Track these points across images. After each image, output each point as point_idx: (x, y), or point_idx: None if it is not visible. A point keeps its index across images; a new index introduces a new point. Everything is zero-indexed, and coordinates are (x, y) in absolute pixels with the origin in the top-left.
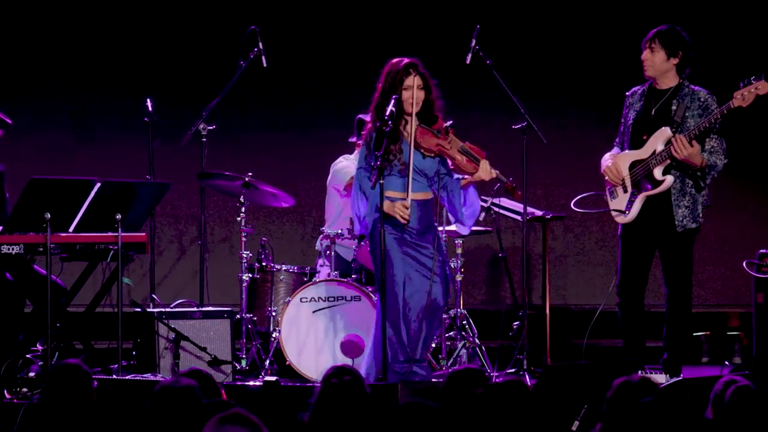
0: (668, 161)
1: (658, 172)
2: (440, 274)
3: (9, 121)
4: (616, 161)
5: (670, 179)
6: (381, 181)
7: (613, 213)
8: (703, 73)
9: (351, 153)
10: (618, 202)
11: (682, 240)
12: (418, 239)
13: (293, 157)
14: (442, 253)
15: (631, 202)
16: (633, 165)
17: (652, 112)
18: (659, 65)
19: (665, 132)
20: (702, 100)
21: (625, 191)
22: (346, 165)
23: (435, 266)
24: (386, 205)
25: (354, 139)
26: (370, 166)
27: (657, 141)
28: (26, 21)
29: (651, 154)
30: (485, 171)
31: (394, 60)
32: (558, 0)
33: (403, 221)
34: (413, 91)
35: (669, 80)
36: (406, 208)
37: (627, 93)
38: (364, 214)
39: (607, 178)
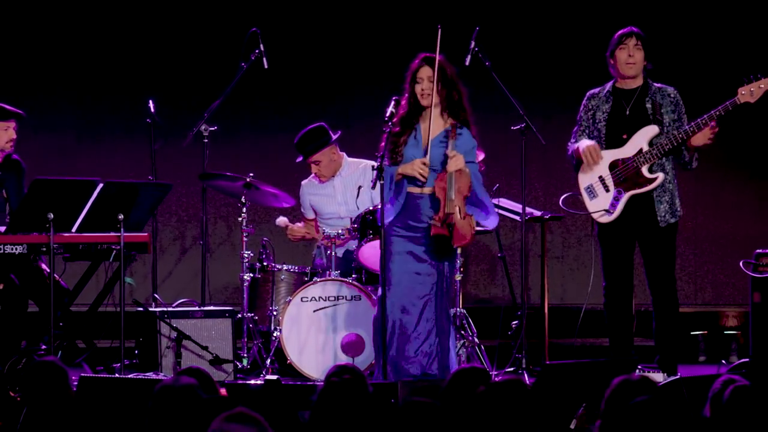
0: (656, 159)
1: (646, 170)
2: (436, 268)
3: (21, 113)
4: (595, 144)
5: (661, 176)
6: (381, 182)
7: (598, 213)
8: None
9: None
10: (599, 201)
11: (665, 235)
12: (423, 236)
13: (294, 157)
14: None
15: (616, 201)
16: (614, 164)
17: (627, 112)
18: (640, 63)
19: (652, 129)
20: (672, 96)
21: (607, 191)
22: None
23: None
24: (403, 167)
25: (299, 160)
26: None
27: (642, 139)
28: (30, 25)
29: (637, 152)
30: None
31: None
32: (555, 3)
33: (422, 179)
34: (424, 84)
35: (638, 80)
36: (425, 165)
37: (587, 94)
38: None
39: (585, 159)
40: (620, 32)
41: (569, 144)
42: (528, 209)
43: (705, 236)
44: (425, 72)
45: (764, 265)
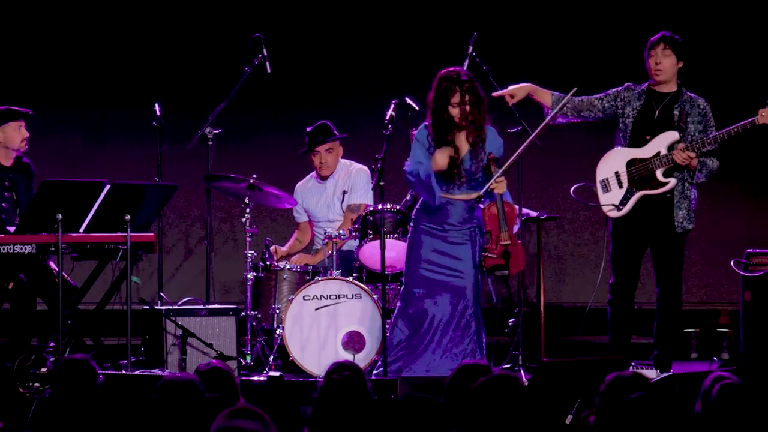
0: (671, 164)
1: (660, 174)
2: (470, 270)
3: (29, 111)
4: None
5: (673, 182)
6: (381, 183)
7: (607, 207)
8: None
9: (331, 160)
10: (611, 196)
11: (680, 240)
12: (456, 235)
13: (296, 159)
14: (477, 250)
15: (626, 198)
16: (631, 162)
17: (656, 114)
18: (669, 69)
19: (672, 135)
20: (701, 107)
21: (620, 186)
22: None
23: (467, 260)
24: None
25: (303, 151)
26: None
27: (662, 143)
28: (37, 30)
29: (654, 154)
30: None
31: (446, 71)
32: (551, 7)
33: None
34: (459, 108)
35: (671, 85)
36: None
37: (626, 84)
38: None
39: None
40: (652, 38)
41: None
42: (524, 210)
43: (698, 236)
44: (465, 97)
45: (755, 264)
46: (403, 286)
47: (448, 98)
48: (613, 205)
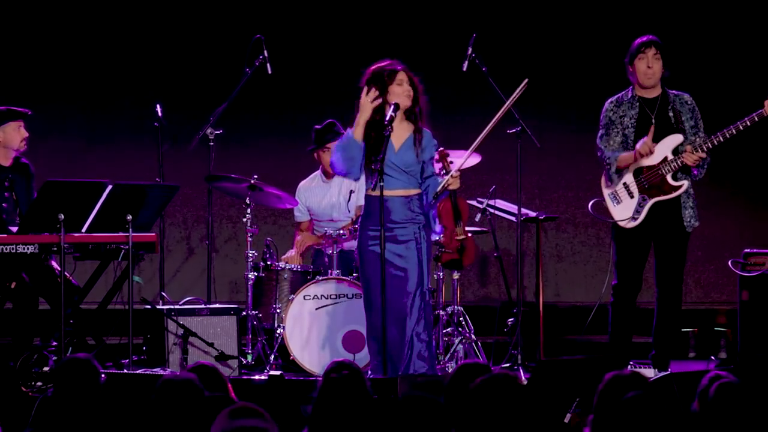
0: (680, 167)
1: (671, 178)
2: (414, 266)
3: (28, 111)
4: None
5: (686, 184)
6: (381, 183)
7: (624, 221)
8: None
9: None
10: (623, 207)
11: (686, 239)
12: (398, 235)
13: (297, 160)
14: (423, 248)
15: (640, 207)
16: (638, 171)
17: (653, 120)
18: (659, 73)
19: (676, 138)
20: (689, 103)
21: (631, 197)
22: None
23: (412, 258)
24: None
25: (311, 148)
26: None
27: (667, 147)
28: (40, 31)
29: (662, 160)
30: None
31: (378, 64)
32: (550, 10)
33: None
34: (404, 86)
35: (657, 89)
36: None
37: (609, 100)
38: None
39: (642, 155)
40: (639, 41)
41: (603, 154)
42: (523, 210)
43: (696, 236)
44: (403, 76)
45: (752, 264)
46: (363, 297)
47: (393, 78)
48: (630, 217)
